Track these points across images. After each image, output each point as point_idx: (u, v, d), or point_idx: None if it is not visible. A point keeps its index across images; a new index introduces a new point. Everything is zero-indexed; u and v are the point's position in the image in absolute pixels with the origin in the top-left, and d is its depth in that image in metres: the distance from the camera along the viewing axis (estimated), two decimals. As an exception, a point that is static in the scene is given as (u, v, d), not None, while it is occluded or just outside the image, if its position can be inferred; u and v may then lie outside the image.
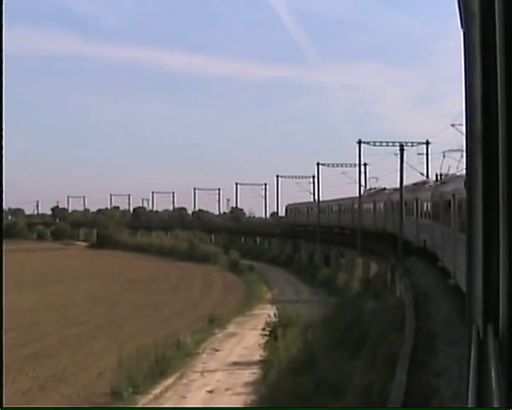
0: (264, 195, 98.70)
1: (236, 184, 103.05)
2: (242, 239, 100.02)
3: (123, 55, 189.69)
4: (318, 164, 66.02)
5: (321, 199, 71.20)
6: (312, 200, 74.89)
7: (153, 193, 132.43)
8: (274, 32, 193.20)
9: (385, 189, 50.19)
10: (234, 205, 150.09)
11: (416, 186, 33.59)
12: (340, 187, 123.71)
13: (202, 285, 62.78)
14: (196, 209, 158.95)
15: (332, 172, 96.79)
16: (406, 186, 35.21)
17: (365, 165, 62.81)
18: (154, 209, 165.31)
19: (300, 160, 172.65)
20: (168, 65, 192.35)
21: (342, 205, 63.33)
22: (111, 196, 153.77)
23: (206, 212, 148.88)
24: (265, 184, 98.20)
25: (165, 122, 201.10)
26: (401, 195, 33.13)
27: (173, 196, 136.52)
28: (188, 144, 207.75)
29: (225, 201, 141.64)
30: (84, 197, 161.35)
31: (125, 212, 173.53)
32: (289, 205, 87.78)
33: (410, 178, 40.43)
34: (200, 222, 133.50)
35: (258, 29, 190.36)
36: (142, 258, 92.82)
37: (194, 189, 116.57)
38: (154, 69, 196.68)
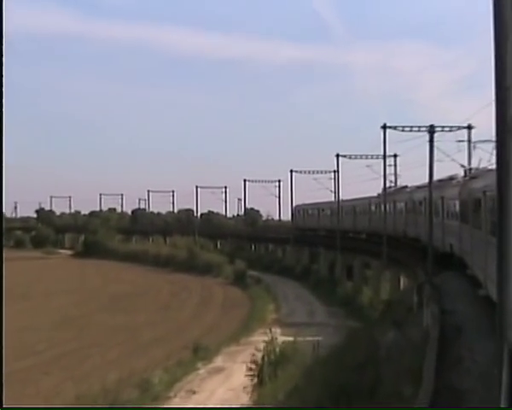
0: (277, 193, 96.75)
1: (245, 180, 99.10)
2: (253, 246, 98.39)
3: (121, 34, 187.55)
4: (338, 156, 63.03)
5: (335, 198, 69.49)
6: (325, 199, 74.78)
7: (149, 192, 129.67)
8: (297, 6, 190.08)
9: (406, 187, 49.64)
10: (246, 206, 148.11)
11: (442, 183, 32.73)
12: (364, 183, 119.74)
13: (198, 303, 60.96)
14: (206, 211, 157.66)
15: (356, 166, 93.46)
16: (432, 183, 33.24)
17: (395, 156, 60.84)
18: (153, 211, 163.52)
19: (320, 154, 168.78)
20: (174, 46, 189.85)
21: (357, 206, 62.64)
22: (101, 195, 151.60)
23: (217, 214, 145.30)
24: (279, 181, 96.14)
25: (163, 111, 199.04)
26: (430, 192, 30.35)
27: (173, 196, 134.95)
28: (189, 137, 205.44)
29: (236, 200, 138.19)
30: (70, 198, 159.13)
31: (123, 214, 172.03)
32: (297, 206, 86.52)
33: (449, 170, 37.36)
34: (210, 226, 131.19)
35: (280, 2, 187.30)
36: (133, 269, 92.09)
37: (197, 187, 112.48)
38: (158, 51, 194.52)
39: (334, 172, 67.55)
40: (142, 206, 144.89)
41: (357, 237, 62.74)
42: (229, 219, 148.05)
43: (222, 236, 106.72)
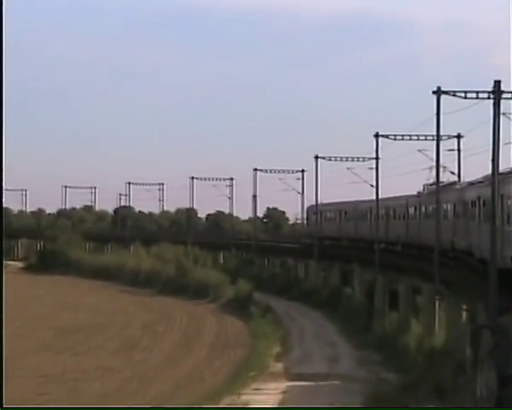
0: (301, 188, 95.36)
1: (255, 170, 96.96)
2: (266, 260, 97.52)
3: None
4: (378, 136, 61.08)
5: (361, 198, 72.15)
6: (362, 197, 74.88)
7: (130, 185, 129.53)
8: None
9: (455, 183, 51.22)
10: (266, 205, 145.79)
11: (501, 176, 31.84)
12: (415, 175, 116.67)
13: (179, 340, 59.15)
14: (213, 211, 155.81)
15: (406, 151, 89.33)
16: (488, 177, 34.17)
17: (458, 138, 59.92)
18: (143, 210, 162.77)
19: (359, 136, 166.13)
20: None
21: (391, 208, 63.81)
22: (66, 188, 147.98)
23: (229, 215, 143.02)
24: (302, 171, 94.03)
25: (150, 76, 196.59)
26: (494, 185, 28.55)
27: (162, 190, 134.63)
28: (183, 112, 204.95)
29: (251, 198, 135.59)
30: (24, 191, 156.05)
31: (103, 214, 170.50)
32: (311, 207, 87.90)
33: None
34: (218, 231, 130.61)
35: None
36: (103, 289, 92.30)
37: (193, 178, 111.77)
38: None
39: (376, 159, 65.29)
40: (123, 203, 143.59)
41: (393, 249, 64.49)
42: (245, 221, 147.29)
43: (225, 246, 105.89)
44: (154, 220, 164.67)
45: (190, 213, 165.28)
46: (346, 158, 75.25)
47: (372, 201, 66.99)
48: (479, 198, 37.20)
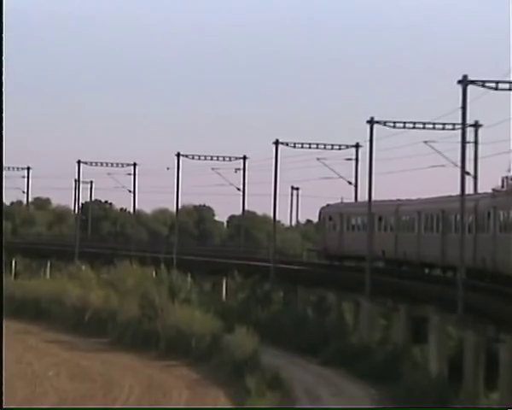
0: (354, 173, 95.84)
1: (277, 142, 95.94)
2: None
3: None
4: (465, 81, 58.89)
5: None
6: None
7: (80, 164, 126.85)
8: None
9: None
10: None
11: None
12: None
13: None
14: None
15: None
16: None
17: None
18: (124, 207, 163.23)
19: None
20: None
21: (450, 213, 67.24)
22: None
23: (263, 217, 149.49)
24: (357, 147, 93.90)
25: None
26: None
27: (134, 174, 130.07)
28: (162, 60, 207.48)
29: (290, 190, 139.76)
30: None
31: (65, 212, 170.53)
32: (326, 208, 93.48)
33: None
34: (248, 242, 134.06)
35: None
36: (20, 336, 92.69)
37: (178, 155, 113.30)
38: None
39: (462, 125, 63.49)
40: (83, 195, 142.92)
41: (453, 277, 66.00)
42: (288, 229, 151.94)
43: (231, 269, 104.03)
44: (143, 224, 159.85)
45: (205, 213, 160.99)
46: (423, 125, 73.25)
47: (424, 201, 71.44)
48: None
